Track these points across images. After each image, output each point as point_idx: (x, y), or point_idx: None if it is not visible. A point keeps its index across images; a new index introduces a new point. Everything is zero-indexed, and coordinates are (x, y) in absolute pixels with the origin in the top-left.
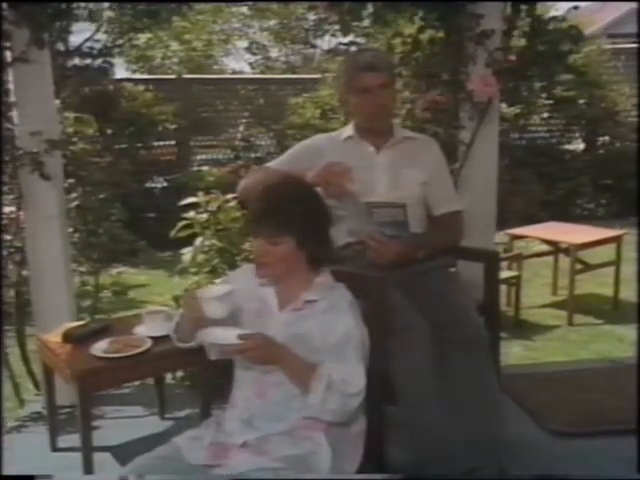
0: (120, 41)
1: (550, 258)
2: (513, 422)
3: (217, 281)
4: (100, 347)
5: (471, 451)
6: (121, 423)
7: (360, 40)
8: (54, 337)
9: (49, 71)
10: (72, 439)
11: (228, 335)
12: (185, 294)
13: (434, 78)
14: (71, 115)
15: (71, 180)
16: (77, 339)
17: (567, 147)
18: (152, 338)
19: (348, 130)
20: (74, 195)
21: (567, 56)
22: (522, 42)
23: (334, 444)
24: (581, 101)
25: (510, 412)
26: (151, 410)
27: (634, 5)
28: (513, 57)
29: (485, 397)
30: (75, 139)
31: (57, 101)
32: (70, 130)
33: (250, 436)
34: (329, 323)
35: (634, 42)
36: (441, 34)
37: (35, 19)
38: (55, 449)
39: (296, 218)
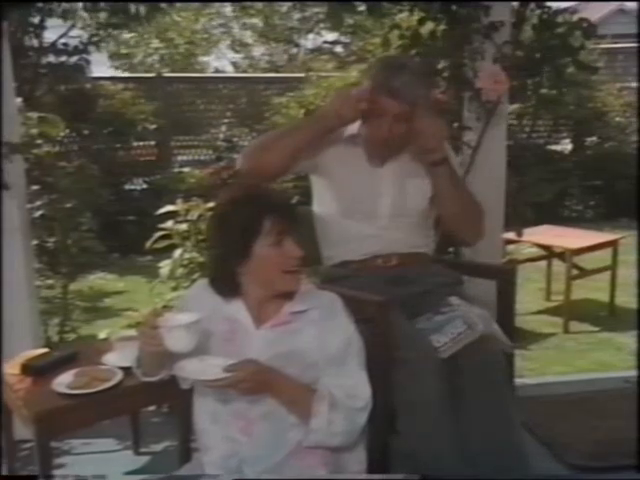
0: (95, 38)
1: (542, 262)
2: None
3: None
4: (64, 381)
5: None
6: (90, 459)
7: (345, 39)
8: (12, 368)
9: (8, 66)
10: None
11: (209, 367)
12: (142, 321)
13: (435, 75)
14: (34, 115)
15: (35, 187)
16: (38, 370)
17: (555, 148)
18: (123, 369)
19: (354, 127)
20: (38, 204)
21: (579, 51)
22: (530, 36)
23: None
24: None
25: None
26: (124, 443)
27: (615, 5)
28: (521, 52)
29: (505, 430)
30: (40, 141)
31: (19, 99)
32: (34, 132)
33: None
34: (327, 331)
35: (615, 42)
36: (443, 26)
37: None
38: None
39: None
